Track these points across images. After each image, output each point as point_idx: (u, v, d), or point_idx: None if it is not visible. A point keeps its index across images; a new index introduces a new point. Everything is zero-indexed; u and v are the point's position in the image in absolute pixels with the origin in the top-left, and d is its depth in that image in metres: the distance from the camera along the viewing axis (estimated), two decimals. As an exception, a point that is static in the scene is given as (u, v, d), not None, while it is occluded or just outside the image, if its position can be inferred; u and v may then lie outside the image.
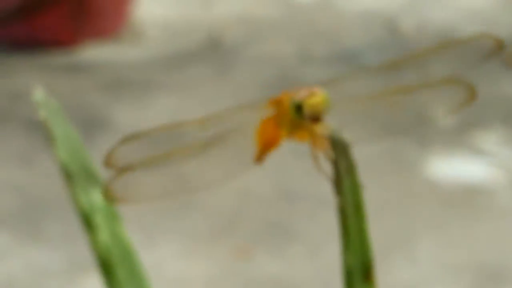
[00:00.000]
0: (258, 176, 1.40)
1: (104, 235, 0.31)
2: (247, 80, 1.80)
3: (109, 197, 0.29)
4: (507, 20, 2.16)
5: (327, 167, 0.28)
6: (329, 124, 0.30)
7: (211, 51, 2.00)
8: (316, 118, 0.30)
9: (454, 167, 1.41)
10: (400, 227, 1.22)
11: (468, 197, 1.31)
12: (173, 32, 2.14)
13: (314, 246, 1.18)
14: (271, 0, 2.41)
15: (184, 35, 2.11)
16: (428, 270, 1.11)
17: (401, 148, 1.46)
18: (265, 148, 0.35)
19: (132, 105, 1.69)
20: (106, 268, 0.31)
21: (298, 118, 0.32)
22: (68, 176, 0.30)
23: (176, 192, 0.34)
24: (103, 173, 0.32)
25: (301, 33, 2.10)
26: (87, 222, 0.30)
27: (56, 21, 1.98)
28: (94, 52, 1.98)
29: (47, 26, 1.98)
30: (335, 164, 0.26)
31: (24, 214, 1.28)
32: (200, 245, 1.19)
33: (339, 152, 0.26)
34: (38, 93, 0.32)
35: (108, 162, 0.30)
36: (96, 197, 0.31)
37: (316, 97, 0.30)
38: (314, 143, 0.32)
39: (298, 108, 0.31)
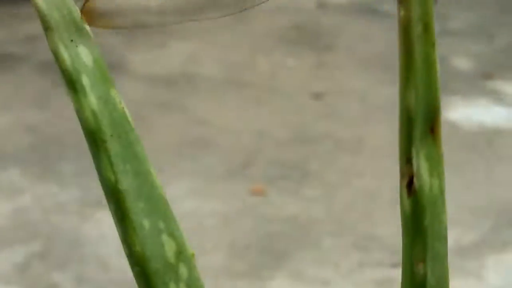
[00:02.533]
0: (274, 118, 1.38)
1: (92, 100, 0.25)
2: (265, 27, 1.76)
3: (88, 16, 0.23)
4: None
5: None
6: None
7: (228, -2, 1.95)
8: None
9: (475, 111, 1.36)
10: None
11: (490, 140, 1.27)
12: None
13: (331, 188, 1.14)
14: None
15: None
16: (449, 211, 1.07)
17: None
18: None
19: (151, 50, 1.65)
20: (95, 141, 0.25)
21: None
22: (48, 27, 0.24)
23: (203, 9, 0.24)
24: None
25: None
26: (71, 84, 0.24)
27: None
28: (111, -2, 1.93)
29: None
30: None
31: (37, 152, 1.25)
32: (213, 183, 1.16)
33: None
34: None
35: None
36: (83, 54, 0.25)
37: None
38: None
39: None
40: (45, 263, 0.99)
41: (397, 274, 0.82)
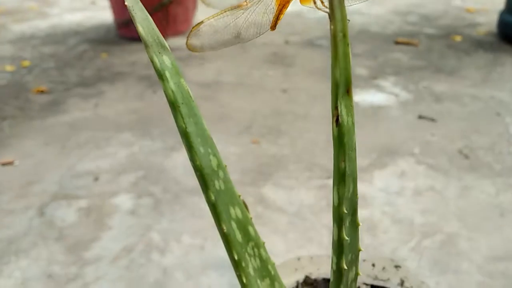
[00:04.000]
0: (262, 102, 1.37)
1: (171, 84, 0.25)
2: (257, 55, 1.73)
3: (189, 46, 0.23)
4: (396, 21, 2.05)
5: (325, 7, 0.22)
6: None
7: (236, 40, 1.91)
8: None
9: (368, 96, 1.35)
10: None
11: (376, 111, 1.26)
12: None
13: (293, 139, 1.14)
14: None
15: (222, 31, 2.02)
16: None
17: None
18: (279, 12, 0.27)
19: (196, 68, 1.62)
20: (174, 106, 0.25)
21: None
22: (146, 44, 0.24)
23: (232, 41, 0.26)
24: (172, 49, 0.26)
25: (285, 30, 2.00)
26: (160, 76, 0.24)
27: (153, 25, 1.90)
28: (173, 41, 1.90)
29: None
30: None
31: (139, 123, 1.24)
32: (231, 137, 1.15)
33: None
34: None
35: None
36: (165, 60, 0.25)
37: None
38: None
39: None
40: (146, 181, 0.98)
41: (329, 182, 0.83)
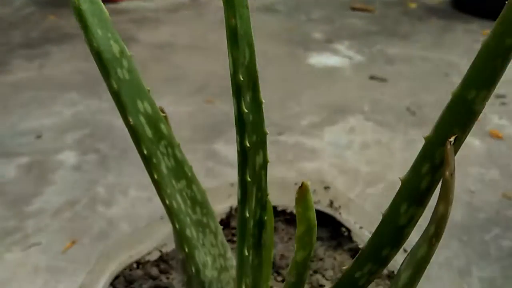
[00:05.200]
0: (218, 64, 1.35)
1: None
2: (213, 19, 1.70)
3: None
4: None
5: None
6: None
7: (193, 4, 1.86)
8: None
9: (323, 59, 1.36)
10: (293, 88, 1.18)
11: (330, 72, 1.27)
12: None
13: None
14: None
15: (178, -5, 1.97)
16: (307, 108, 1.08)
17: (295, 50, 1.40)
18: None
19: (150, 30, 1.58)
20: (80, 17, 0.23)
21: None
22: None
23: None
24: None
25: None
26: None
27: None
28: (128, 4, 1.83)
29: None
30: None
31: (85, 83, 1.20)
32: (184, 97, 1.14)
33: None
34: None
35: None
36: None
37: None
38: None
39: None
40: (92, 139, 0.96)
41: (280, 138, 0.82)
